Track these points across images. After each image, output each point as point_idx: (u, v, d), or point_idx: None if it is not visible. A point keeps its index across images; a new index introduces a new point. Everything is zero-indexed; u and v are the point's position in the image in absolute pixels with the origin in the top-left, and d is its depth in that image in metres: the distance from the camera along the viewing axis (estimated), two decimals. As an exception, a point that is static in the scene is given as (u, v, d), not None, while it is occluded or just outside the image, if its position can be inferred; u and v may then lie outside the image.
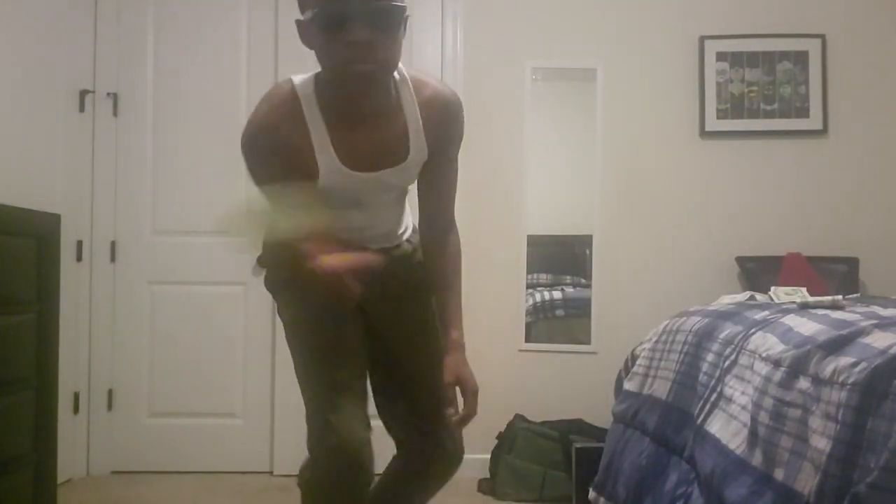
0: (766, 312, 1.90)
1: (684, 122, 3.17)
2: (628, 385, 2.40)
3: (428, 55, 3.16)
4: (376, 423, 1.63)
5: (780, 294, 2.32)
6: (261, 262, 1.70)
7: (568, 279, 3.21)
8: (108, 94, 3.14)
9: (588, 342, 3.15)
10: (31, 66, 2.74)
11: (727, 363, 1.81)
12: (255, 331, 3.13)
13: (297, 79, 1.40)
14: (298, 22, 1.37)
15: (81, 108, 3.08)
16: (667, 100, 3.17)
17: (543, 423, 2.97)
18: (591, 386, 3.08)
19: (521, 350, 3.15)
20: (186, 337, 3.14)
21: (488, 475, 2.93)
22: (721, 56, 3.14)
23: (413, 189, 1.62)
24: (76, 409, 3.07)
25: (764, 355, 1.62)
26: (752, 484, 1.50)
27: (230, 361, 3.14)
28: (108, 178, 3.15)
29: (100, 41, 3.14)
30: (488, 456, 2.97)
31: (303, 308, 1.53)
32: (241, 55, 3.18)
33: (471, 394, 1.54)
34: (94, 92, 3.11)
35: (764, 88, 3.14)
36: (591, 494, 2.39)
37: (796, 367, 1.47)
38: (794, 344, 1.54)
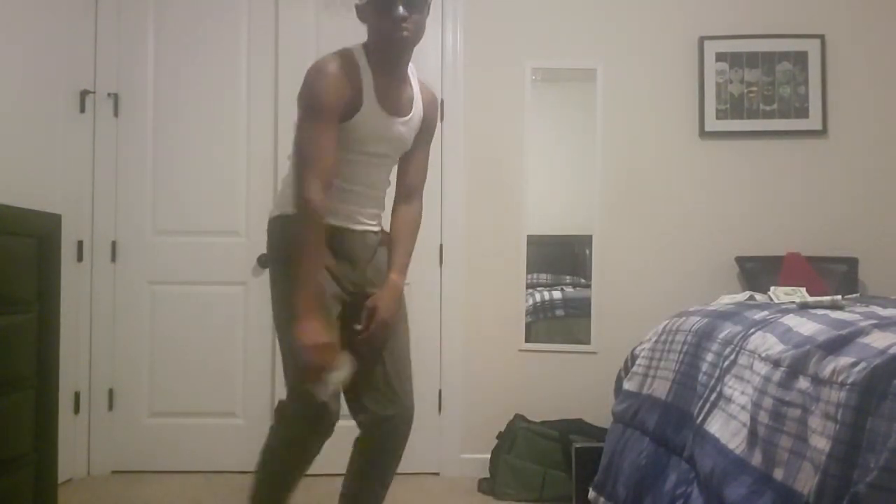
0: (766, 312, 1.90)
1: (684, 122, 3.17)
2: (628, 385, 2.40)
3: (428, 55, 3.16)
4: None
5: (780, 294, 2.32)
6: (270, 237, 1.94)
7: (568, 279, 3.21)
8: (109, 94, 3.14)
9: (588, 342, 3.15)
10: (31, 67, 2.74)
11: (727, 363, 1.81)
12: (255, 331, 3.14)
13: (353, 46, 1.86)
14: (357, 6, 1.82)
15: (82, 109, 3.08)
16: (666, 100, 3.18)
17: (543, 422, 2.97)
18: (590, 386, 3.08)
19: (521, 350, 3.15)
20: (186, 337, 3.15)
21: (488, 475, 2.94)
22: (721, 56, 3.15)
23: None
24: (77, 409, 3.08)
25: (763, 355, 1.63)
26: (752, 484, 1.50)
27: (230, 361, 3.15)
28: (109, 179, 3.16)
29: (100, 42, 3.15)
30: (488, 456, 2.98)
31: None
32: (241, 55, 3.18)
33: (375, 318, 1.82)
34: (94, 92, 3.12)
35: (763, 89, 3.14)
36: (591, 494, 2.39)
37: (796, 367, 1.47)
38: (793, 344, 1.55)
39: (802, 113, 3.14)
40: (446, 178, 3.14)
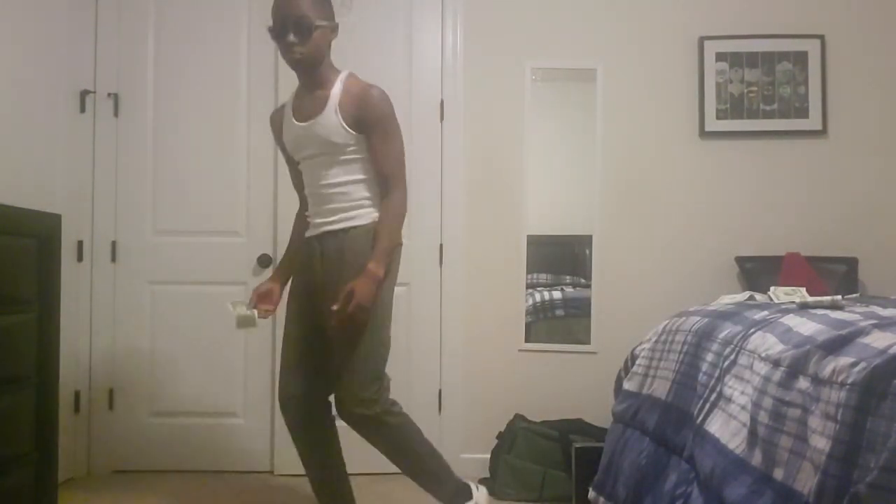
0: (766, 312, 1.90)
1: (684, 122, 3.17)
2: (628, 385, 2.40)
3: (428, 55, 3.16)
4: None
5: (780, 294, 2.32)
6: None
7: (568, 279, 3.21)
8: (109, 94, 3.14)
9: (588, 342, 3.15)
10: (32, 67, 2.74)
11: (727, 363, 1.81)
12: (255, 331, 3.13)
13: None
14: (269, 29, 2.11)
15: (82, 109, 3.08)
16: (666, 100, 3.18)
17: (543, 422, 2.97)
18: (590, 386, 3.08)
19: (521, 350, 3.15)
20: (186, 337, 3.15)
21: (488, 475, 2.94)
22: (721, 56, 3.15)
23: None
24: (77, 409, 3.08)
25: (763, 355, 1.63)
26: (752, 484, 1.50)
27: (230, 361, 3.15)
28: (109, 179, 3.16)
29: (100, 42, 3.15)
30: (488, 456, 2.98)
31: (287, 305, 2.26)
32: (241, 55, 3.18)
33: (351, 302, 1.97)
34: (94, 92, 3.12)
35: (763, 89, 3.15)
36: (591, 494, 2.39)
37: (796, 367, 1.48)
38: (793, 344, 1.55)
39: (802, 113, 3.14)
40: (446, 178, 3.14)
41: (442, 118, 3.15)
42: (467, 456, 3.11)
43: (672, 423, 2.02)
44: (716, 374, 1.85)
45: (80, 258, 3.09)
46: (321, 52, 2.09)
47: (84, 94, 3.08)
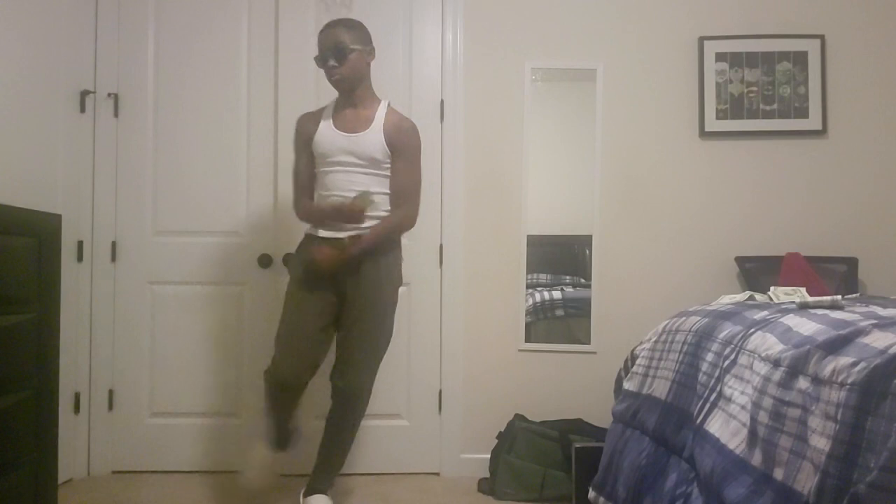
0: (766, 312, 1.90)
1: (684, 122, 3.17)
2: (628, 385, 2.40)
3: (428, 55, 3.16)
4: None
5: (780, 294, 2.32)
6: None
7: (568, 279, 3.21)
8: (109, 94, 3.14)
9: (588, 342, 3.15)
10: (31, 67, 2.74)
11: (727, 363, 1.81)
12: (255, 331, 3.14)
13: None
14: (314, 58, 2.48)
15: (82, 109, 3.08)
16: (666, 100, 3.18)
17: (543, 422, 2.97)
18: (590, 386, 3.08)
19: (520, 350, 3.15)
20: (186, 337, 3.15)
21: (488, 475, 2.94)
22: (720, 56, 3.15)
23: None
24: (77, 409, 3.08)
25: (763, 355, 1.63)
26: (752, 483, 1.50)
27: (230, 361, 3.15)
28: (109, 179, 3.16)
29: (100, 41, 3.15)
30: (488, 456, 2.98)
31: (290, 283, 2.49)
32: (241, 55, 3.18)
33: (354, 245, 2.36)
34: (94, 92, 3.12)
35: (763, 89, 3.15)
36: (591, 494, 2.39)
37: (796, 367, 1.47)
38: (793, 344, 1.55)
39: (802, 113, 3.14)
40: (446, 178, 3.14)
41: (442, 118, 3.15)
42: (467, 456, 3.12)
43: (672, 423, 2.02)
44: (716, 374, 1.85)
45: (80, 258, 3.09)
46: (358, 72, 2.43)
47: (84, 94, 3.08)
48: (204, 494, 2.84)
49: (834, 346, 1.42)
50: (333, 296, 2.43)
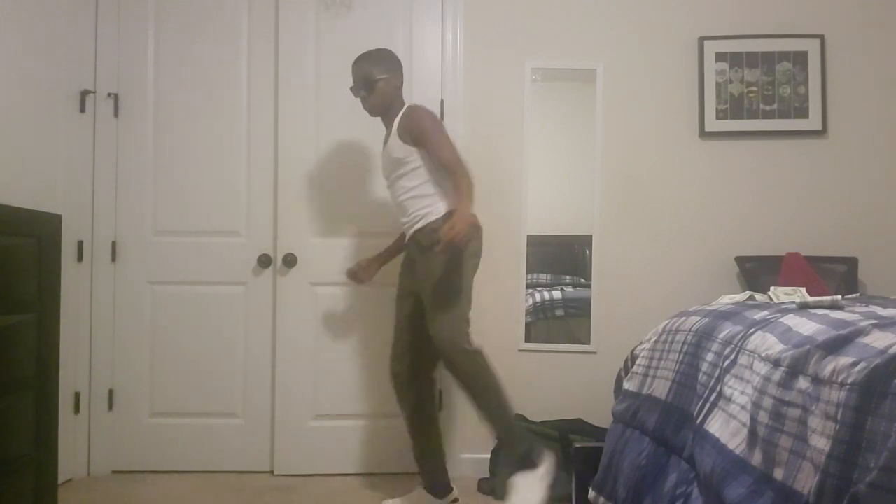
0: (766, 312, 1.90)
1: (684, 122, 3.17)
2: (628, 385, 2.40)
3: (428, 55, 3.16)
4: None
5: (780, 294, 2.32)
6: None
7: (568, 279, 3.21)
8: (109, 94, 3.14)
9: (588, 342, 3.15)
10: (32, 67, 2.74)
11: (727, 363, 1.81)
12: (255, 331, 3.14)
13: None
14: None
15: (82, 109, 3.08)
16: (666, 100, 3.18)
17: (543, 422, 2.97)
18: (590, 386, 3.08)
19: (520, 350, 3.15)
20: (186, 337, 3.15)
21: (488, 475, 2.94)
22: (720, 56, 3.15)
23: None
24: (77, 409, 3.08)
25: (763, 355, 1.63)
26: (752, 484, 1.50)
27: (230, 361, 3.15)
28: (109, 179, 3.16)
29: (100, 41, 3.15)
30: (488, 456, 2.98)
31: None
32: (241, 55, 3.18)
33: (453, 226, 2.26)
34: (94, 92, 3.12)
35: (763, 89, 3.15)
36: (591, 494, 2.39)
37: (796, 367, 1.47)
38: (793, 344, 1.55)
39: (802, 113, 3.14)
40: (446, 178, 3.14)
41: (442, 118, 3.15)
42: (467, 456, 3.12)
43: (672, 423, 2.02)
44: (716, 374, 1.85)
45: (80, 258, 3.09)
46: (387, 98, 2.62)
47: (84, 94, 3.08)
48: (204, 494, 2.84)
49: (834, 346, 1.41)
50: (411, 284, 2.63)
